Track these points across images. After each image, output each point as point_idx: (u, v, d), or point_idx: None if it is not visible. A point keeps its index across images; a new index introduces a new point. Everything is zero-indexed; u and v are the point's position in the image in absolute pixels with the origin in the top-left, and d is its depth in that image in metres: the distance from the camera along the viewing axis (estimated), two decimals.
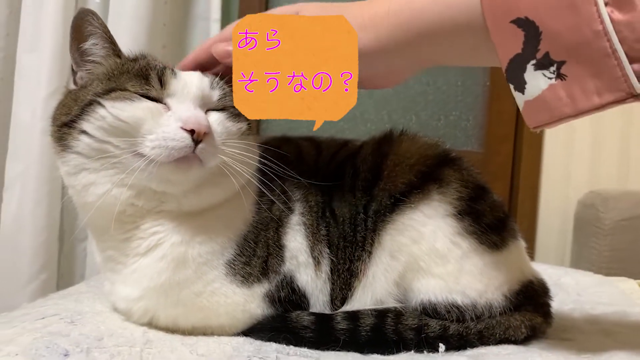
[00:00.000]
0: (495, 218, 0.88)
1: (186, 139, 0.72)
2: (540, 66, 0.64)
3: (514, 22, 0.64)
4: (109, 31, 0.81)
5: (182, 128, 0.72)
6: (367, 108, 2.17)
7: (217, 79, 0.82)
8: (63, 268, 1.85)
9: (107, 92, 0.75)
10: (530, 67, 0.65)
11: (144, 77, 0.76)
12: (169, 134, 0.72)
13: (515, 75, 0.67)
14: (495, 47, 0.67)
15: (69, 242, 1.87)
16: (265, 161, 0.82)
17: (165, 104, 0.76)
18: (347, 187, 0.90)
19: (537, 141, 2.05)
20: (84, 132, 0.75)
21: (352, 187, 0.90)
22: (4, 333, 0.73)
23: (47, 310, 0.83)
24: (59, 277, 1.82)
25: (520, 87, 0.67)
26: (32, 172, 1.71)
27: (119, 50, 0.82)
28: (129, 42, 1.61)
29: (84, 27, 0.79)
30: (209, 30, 2.00)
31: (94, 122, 0.74)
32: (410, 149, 0.91)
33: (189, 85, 0.77)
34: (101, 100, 0.74)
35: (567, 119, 0.64)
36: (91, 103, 0.75)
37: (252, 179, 0.84)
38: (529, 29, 0.63)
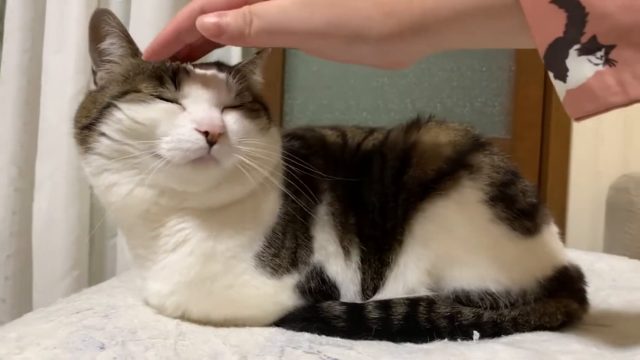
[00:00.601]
0: (527, 203, 0.86)
1: (200, 140, 0.71)
2: (585, 51, 0.57)
3: (554, 1, 0.57)
4: (126, 30, 0.81)
5: (196, 129, 0.71)
6: (390, 97, 2.15)
7: (231, 74, 0.80)
8: (94, 265, 1.88)
9: (123, 95, 0.75)
10: (573, 52, 0.58)
11: (157, 79, 0.76)
12: (183, 135, 0.71)
13: (555, 61, 0.60)
14: (531, 30, 0.60)
15: (99, 239, 1.90)
16: (289, 154, 0.82)
17: (180, 104, 0.75)
18: (375, 176, 0.89)
19: (566, 126, 2.00)
20: (103, 134, 0.75)
21: (380, 175, 0.89)
22: (41, 327, 0.74)
23: (81, 305, 0.84)
24: (90, 274, 1.85)
25: (562, 74, 0.60)
26: (61, 172, 1.74)
27: (137, 49, 0.81)
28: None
29: (100, 27, 0.79)
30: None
31: (112, 125, 0.74)
32: (438, 135, 0.89)
33: (204, 84, 0.76)
34: (117, 103, 0.74)
35: (616, 108, 0.58)
36: (108, 106, 0.75)
37: (276, 172, 0.84)
38: (573, 9, 0.56)
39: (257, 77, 0.90)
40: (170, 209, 0.79)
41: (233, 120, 0.77)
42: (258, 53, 0.89)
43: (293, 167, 0.82)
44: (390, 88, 2.15)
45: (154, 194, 0.77)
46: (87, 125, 0.77)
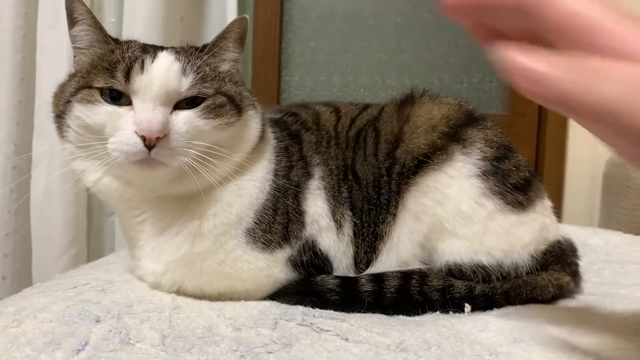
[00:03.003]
0: (520, 178, 0.87)
1: (138, 144, 0.71)
2: None
3: None
4: (94, 17, 0.80)
5: (135, 132, 0.72)
6: (388, 74, 2.14)
7: (191, 62, 0.77)
8: (92, 242, 1.89)
9: (77, 91, 0.76)
10: None
11: (111, 71, 0.75)
12: (123, 138, 0.72)
13: None
14: None
15: (97, 216, 1.90)
16: (281, 130, 0.81)
17: (130, 100, 0.74)
18: (369, 150, 0.89)
19: None
20: (70, 126, 0.77)
21: (374, 150, 0.89)
22: (38, 301, 0.75)
23: (78, 280, 0.85)
24: (89, 251, 1.86)
25: None
26: (58, 149, 1.74)
27: (107, 37, 0.80)
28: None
29: (73, 13, 0.79)
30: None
31: (73, 120, 0.76)
32: (432, 109, 0.89)
33: (153, 82, 0.73)
34: (72, 101, 0.76)
35: None
36: (68, 101, 0.77)
37: (266, 148, 0.84)
38: None
39: (229, 59, 0.84)
40: (145, 197, 0.80)
41: (183, 122, 0.75)
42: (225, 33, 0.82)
43: (283, 144, 0.82)
44: (388, 64, 2.13)
45: (120, 184, 0.78)
46: (58, 115, 0.79)
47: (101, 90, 0.75)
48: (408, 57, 2.13)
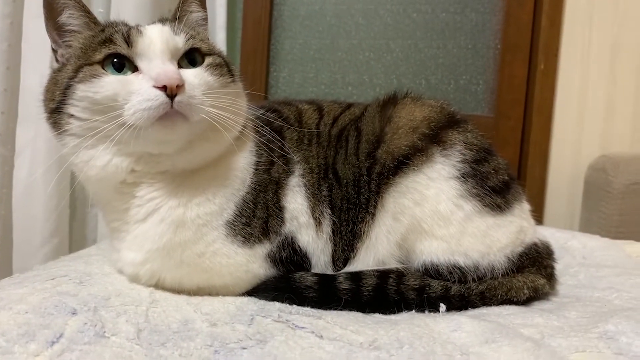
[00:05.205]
0: (499, 181, 0.88)
1: (160, 96, 0.72)
2: None
3: None
4: (81, 1, 0.81)
5: (154, 87, 0.72)
6: (376, 73, 2.14)
7: (176, 25, 0.81)
8: (75, 233, 1.88)
9: (77, 72, 0.76)
10: None
11: (108, 42, 0.76)
12: (142, 96, 0.72)
13: None
14: None
15: (80, 207, 1.89)
16: (263, 126, 0.82)
17: (136, 66, 0.76)
18: (350, 150, 0.90)
19: (548, 106, 2.01)
20: (72, 115, 0.76)
21: (355, 149, 0.90)
22: (15, 292, 0.75)
23: (57, 272, 0.85)
24: (72, 242, 1.85)
25: None
26: (41, 138, 1.72)
27: (95, 19, 0.82)
28: None
29: (56, 2, 0.80)
30: (214, 37, 1.96)
31: (77, 105, 0.75)
32: (414, 111, 0.90)
33: (154, 41, 0.76)
34: (74, 83, 0.75)
35: None
36: (68, 87, 0.76)
37: (248, 142, 0.85)
38: None
39: (198, 19, 0.90)
40: (144, 175, 0.80)
41: (193, 76, 0.77)
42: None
43: (265, 139, 0.83)
44: (376, 63, 2.14)
45: (130, 161, 0.78)
46: (55, 109, 0.78)
47: (103, 64, 0.76)
48: (396, 56, 2.15)
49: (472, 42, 2.11)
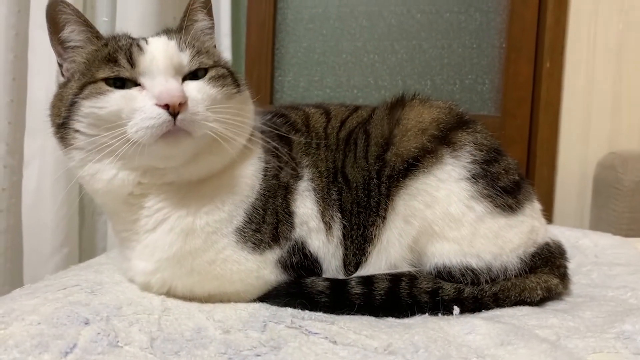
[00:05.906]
0: (510, 181, 0.87)
1: (162, 114, 0.72)
2: None
3: None
4: (83, 15, 0.81)
5: (156, 105, 0.72)
6: (381, 74, 2.14)
7: (182, 39, 0.80)
8: (85, 242, 1.88)
9: (81, 89, 0.76)
10: None
11: (113, 61, 0.76)
12: (145, 114, 0.72)
13: None
14: None
15: (89, 216, 1.90)
16: (270, 129, 0.82)
17: (139, 83, 0.76)
18: (359, 153, 0.89)
19: (555, 104, 2.00)
20: (77, 130, 0.77)
21: (364, 152, 0.89)
22: (27, 303, 0.75)
23: (68, 281, 0.85)
24: (81, 251, 1.85)
25: None
26: (49, 148, 1.73)
27: (97, 33, 0.82)
28: None
29: (58, 17, 0.80)
30: (219, 45, 1.97)
31: (82, 121, 0.76)
32: (422, 113, 0.90)
33: (157, 57, 0.76)
34: (79, 100, 0.75)
35: None
36: (73, 103, 0.76)
37: (255, 148, 0.85)
38: None
39: (204, 29, 0.88)
40: (150, 187, 0.80)
41: (196, 90, 0.77)
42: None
43: (272, 145, 0.83)
44: (381, 65, 2.14)
45: (136, 175, 0.78)
46: (61, 124, 0.78)
47: (106, 80, 0.76)
48: (401, 58, 2.14)
49: (476, 41, 2.10)
